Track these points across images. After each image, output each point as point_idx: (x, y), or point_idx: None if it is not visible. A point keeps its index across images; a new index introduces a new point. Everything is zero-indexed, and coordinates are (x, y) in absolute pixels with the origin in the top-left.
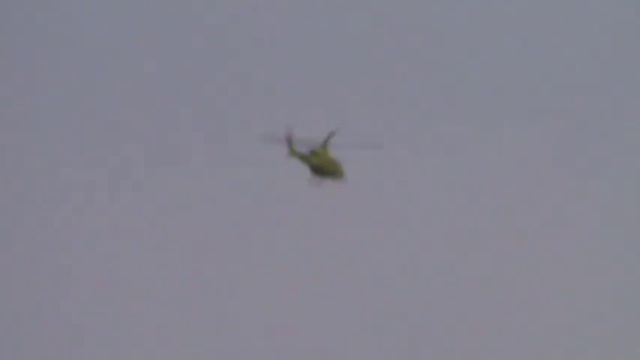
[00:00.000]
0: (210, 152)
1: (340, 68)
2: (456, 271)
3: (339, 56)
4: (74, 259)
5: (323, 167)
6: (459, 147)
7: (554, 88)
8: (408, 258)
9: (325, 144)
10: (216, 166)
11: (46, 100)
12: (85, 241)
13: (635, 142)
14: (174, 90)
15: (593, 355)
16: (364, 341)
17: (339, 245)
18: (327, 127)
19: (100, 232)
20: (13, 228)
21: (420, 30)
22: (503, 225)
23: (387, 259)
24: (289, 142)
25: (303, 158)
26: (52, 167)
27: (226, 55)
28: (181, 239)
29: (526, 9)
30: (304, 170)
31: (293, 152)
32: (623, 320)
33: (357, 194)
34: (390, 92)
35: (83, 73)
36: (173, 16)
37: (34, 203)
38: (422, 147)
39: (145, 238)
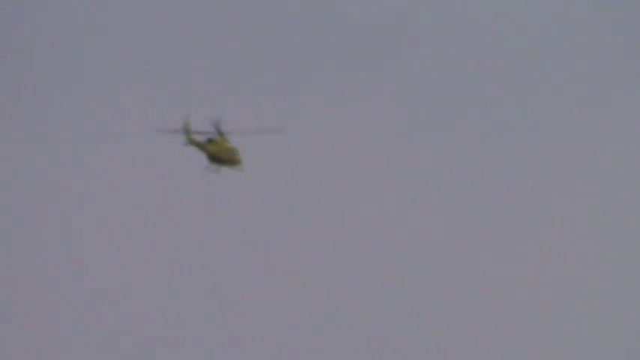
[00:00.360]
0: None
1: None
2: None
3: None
4: None
5: (220, 155)
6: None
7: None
8: (297, 245)
9: (222, 132)
10: (113, 154)
11: None
12: None
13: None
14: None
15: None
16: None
17: (232, 231)
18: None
19: None
20: None
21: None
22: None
23: (277, 245)
24: (186, 130)
25: (200, 146)
26: None
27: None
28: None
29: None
30: (202, 158)
31: (190, 140)
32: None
33: (253, 181)
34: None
35: None
36: None
37: None
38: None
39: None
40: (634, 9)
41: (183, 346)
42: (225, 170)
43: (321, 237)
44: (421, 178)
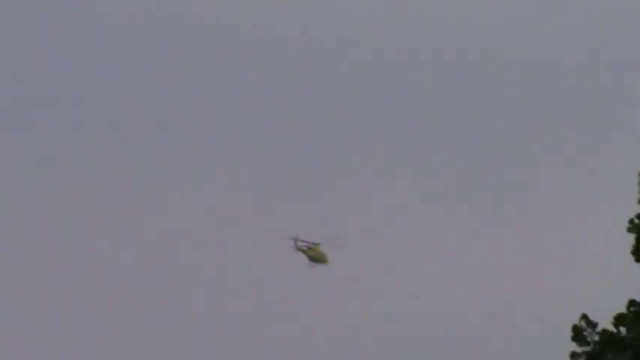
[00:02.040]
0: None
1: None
2: None
3: None
4: None
5: (315, 257)
6: None
7: None
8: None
9: (316, 244)
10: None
11: None
12: None
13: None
14: None
15: None
16: None
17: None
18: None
19: None
20: None
21: None
22: None
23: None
24: (295, 242)
25: (304, 251)
26: None
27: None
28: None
29: None
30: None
31: (298, 248)
32: None
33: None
34: None
35: None
36: None
37: None
38: None
39: None
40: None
41: None
42: (318, 267)
43: None
44: None
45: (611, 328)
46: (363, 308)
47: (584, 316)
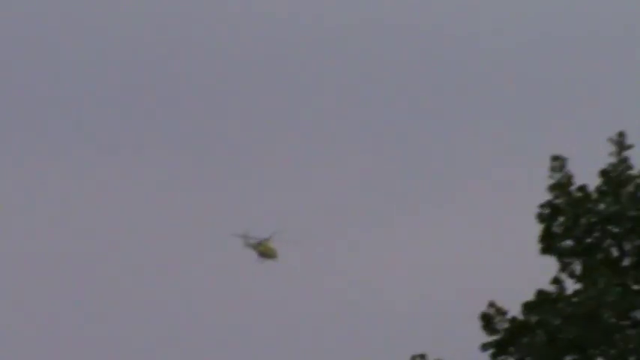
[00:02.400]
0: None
1: None
2: None
3: None
4: None
5: (264, 253)
6: None
7: None
8: None
9: (265, 239)
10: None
11: None
12: None
13: None
14: None
15: None
16: None
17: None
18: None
19: None
20: None
21: None
22: None
23: None
24: (245, 238)
25: (253, 247)
26: None
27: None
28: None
29: None
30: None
31: (247, 244)
32: None
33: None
34: None
35: None
36: None
37: None
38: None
39: None
40: None
41: None
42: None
43: None
44: None
45: (520, 316)
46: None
47: (493, 304)
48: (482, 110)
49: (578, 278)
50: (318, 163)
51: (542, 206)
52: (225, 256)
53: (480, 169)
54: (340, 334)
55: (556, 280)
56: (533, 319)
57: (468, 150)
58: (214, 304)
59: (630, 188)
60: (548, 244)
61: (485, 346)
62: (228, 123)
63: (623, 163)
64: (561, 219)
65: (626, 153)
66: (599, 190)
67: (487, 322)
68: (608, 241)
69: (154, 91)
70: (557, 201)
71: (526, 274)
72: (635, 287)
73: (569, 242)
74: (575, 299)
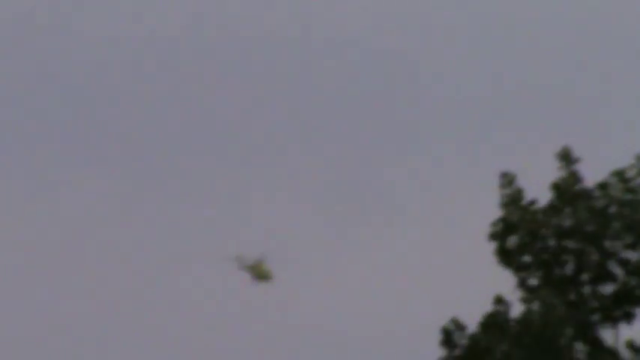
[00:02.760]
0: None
1: None
2: None
3: None
4: None
5: (259, 274)
6: None
7: None
8: None
9: (259, 260)
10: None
11: None
12: None
13: None
14: None
15: None
16: None
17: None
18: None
19: None
20: None
21: None
22: None
23: None
24: (239, 261)
25: (246, 268)
26: None
27: None
28: None
29: None
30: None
31: (241, 266)
32: None
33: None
34: None
35: None
36: None
37: None
38: None
39: None
40: None
41: None
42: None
43: None
44: None
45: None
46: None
47: (454, 319)
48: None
49: (528, 296)
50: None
51: (494, 224)
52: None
53: (426, 186)
54: None
55: (499, 300)
56: (483, 344)
57: (412, 168)
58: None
59: (584, 202)
60: (504, 259)
61: None
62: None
63: (573, 176)
64: (515, 235)
65: (575, 167)
66: (551, 204)
67: (447, 336)
68: (565, 256)
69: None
70: (510, 217)
71: (486, 287)
72: (592, 304)
73: (525, 258)
74: (522, 319)
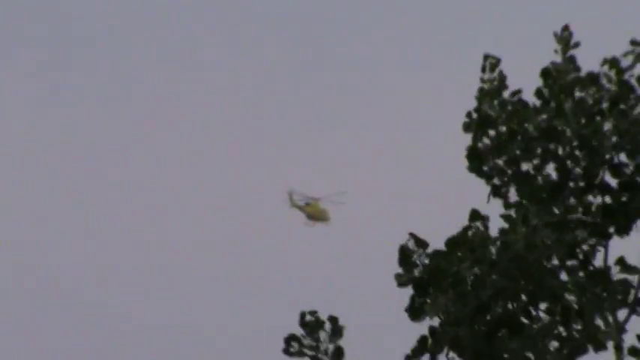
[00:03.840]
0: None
1: None
2: None
3: None
4: None
5: (314, 215)
6: None
7: None
8: None
9: (316, 199)
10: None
11: None
12: None
13: None
14: None
15: None
16: None
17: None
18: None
19: None
20: None
21: None
22: None
23: None
24: (290, 196)
25: (300, 208)
26: None
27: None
28: None
29: None
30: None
31: (293, 204)
32: None
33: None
34: None
35: None
36: None
37: None
38: None
39: None
40: None
41: None
42: (318, 225)
43: None
44: None
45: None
46: None
47: (413, 235)
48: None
49: (506, 213)
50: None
51: (469, 114)
52: None
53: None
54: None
55: (475, 215)
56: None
57: (388, 51)
58: None
59: (576, 95)
60: (477, 162)
61: (400, 281)
62: None
63: (569, 63)
64: (492, 132)
65: (572, 52)
66: (538, 95)
67: (405, 256)
68: (549, 163)
69: None
70: (488, 109)
71: (457, 197)
72: (577, 218)
73: (500, 162)
74: (500, 240)
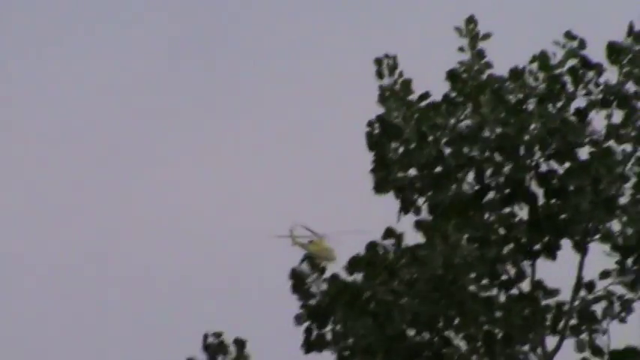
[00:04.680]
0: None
1: None
2: None
3: None
4: None
5: (318, 253)
6: None
7: None
8: None
9: (319, 235)
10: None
11: None
12: None
13: None
14: None
15: None
16: None
17: None
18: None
19: None
20: None
21: None
22: None
23: None
24: (292, 234)
25: (303, 246)
26: None
27: None
28: None
29: None
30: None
31: (295, 242)
32: None
33: None
34: None
35: None
36: None
37: None
38: None
39: None
40: None
41: None
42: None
43: None
44: None
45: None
46: None
47: (309, 258)
48: None
49: (422, 229)
50: None
51: (370, 124)
52: None
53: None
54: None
55: (388, 233)
56: (359, 278)
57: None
58: None
59: (491, 93)
60: (384, 175)
61: (298, 318)
62: None
63: (479, 58)
64: (398, 141)
65: (481, 45)
66: (447, 98)
67: (299, 281)
68: (464, 170)
69: None
70: (392, 116)
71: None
72: (499, 233)
73: (411, 172)
74: (414, 258)
